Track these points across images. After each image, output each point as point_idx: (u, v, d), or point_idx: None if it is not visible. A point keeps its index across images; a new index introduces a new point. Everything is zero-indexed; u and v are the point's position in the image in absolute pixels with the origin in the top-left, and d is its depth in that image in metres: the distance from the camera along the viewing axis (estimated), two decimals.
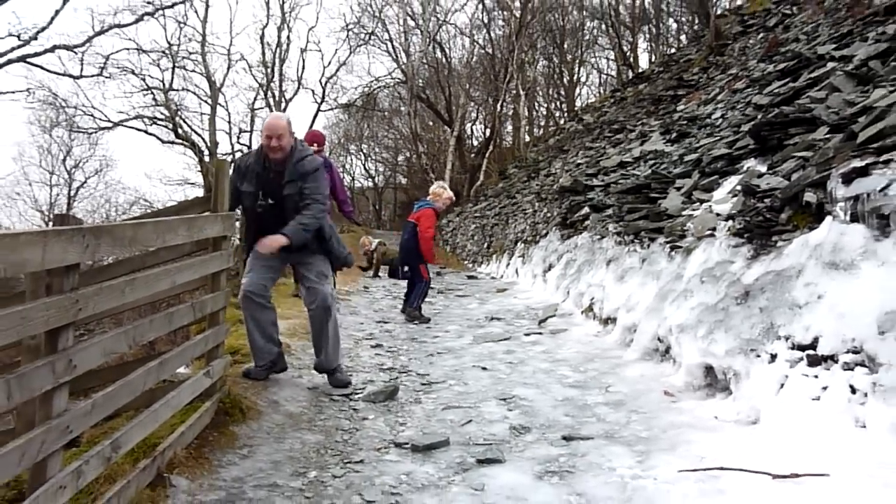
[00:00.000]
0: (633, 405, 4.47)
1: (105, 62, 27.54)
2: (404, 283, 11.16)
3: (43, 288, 2.19)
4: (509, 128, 36.09)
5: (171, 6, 29.00)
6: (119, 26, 26.69)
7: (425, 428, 4.17)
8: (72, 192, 38.23)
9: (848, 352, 3.40)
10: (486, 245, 19.23)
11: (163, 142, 33.99)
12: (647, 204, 7.58)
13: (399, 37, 34.46)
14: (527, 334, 7.23)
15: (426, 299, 8.92)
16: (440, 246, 22.29)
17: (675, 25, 31.05)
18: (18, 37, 20.89)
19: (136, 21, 26.76)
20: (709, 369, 4.56)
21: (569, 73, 35.42)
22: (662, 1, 29.85)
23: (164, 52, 31.82)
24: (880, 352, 3.14)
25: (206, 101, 34.26)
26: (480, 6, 33.49)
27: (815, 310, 3.77)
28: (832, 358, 3.50)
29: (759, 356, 4.07)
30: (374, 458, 3.64)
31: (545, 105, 38.05)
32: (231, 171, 4.78)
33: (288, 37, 36.20)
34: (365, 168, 51.04)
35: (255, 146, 5.25)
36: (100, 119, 32.47)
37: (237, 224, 5.23)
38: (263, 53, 35.66)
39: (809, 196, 4.31)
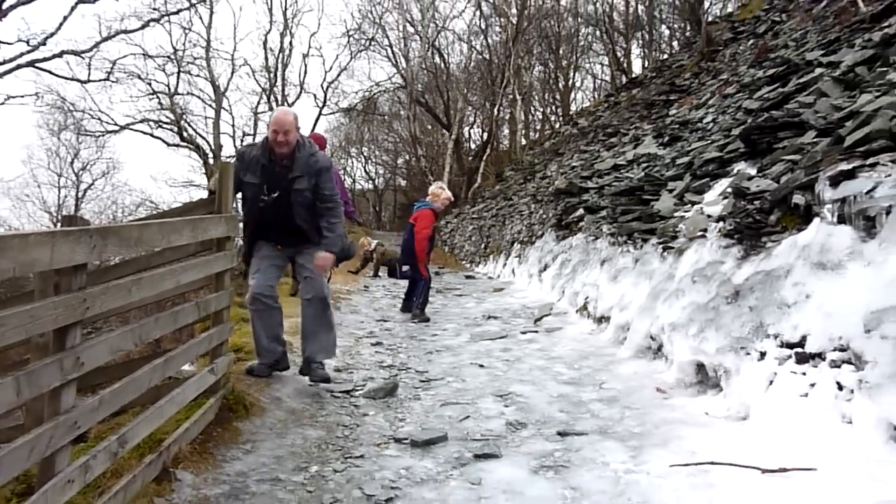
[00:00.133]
0: (626, 402, 4.48)
1: (112, 67, 27.55)
2: (403, 282, 11.17)
3: (51, 287, 2.19)
4: (506, 131, 36.12)
5: (177, 13, 29.01)
6: (125, 32, 26.68)
7: (424, 424, 4.17)
8: (79, 194, 38.29)
9: (835, 350, 3.40)
10: (483, 245, 19.24)
11: (168, 145, 34.00)
12: (640, 206, 7.58)
13: (399, 43, 34.49)
14: (523, 332, 7.23)
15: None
16: (439, 246, 22.27)
17: (667, 32, 31.12)
18: (27, 42, 20.87)
19: (143, 27, 26.76)
20: (700, 367, 4.57)
21: (564, 78, 35.42)
22: (655, 8, 29.89)
23: (169, 57, 31.82)
24: (866, 350, 3.14)
25: (210, 105, 34.25)
26: (478, 13, 33.55)
27: (803, 309, 3.77)
28: (820, 356, 3.51)
29: (748, 354, 4.08)
30: (374, 453, 3.65)
31: (541, 109, 38.04)
32: (235, 160, 4.75)
33: (290, 42, 36.17)
34: (365, 170, 51.07)
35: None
36: (107, 122, 32.51)
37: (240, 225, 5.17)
38: (266, 58, 35.66)
39: (798, 198, 4.31)
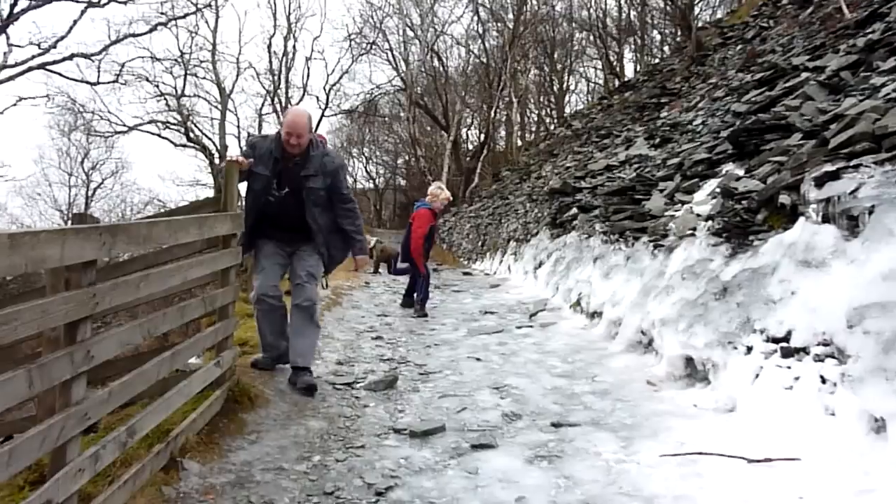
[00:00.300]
0: (617, 394, 4.49)
1: (120, 69, 27.48)
2: (403, 279, 11.17)
3: (62, 283, 2.19)
4: (502, 133, 36.06)
5: (184, 17, 28.94)
6: (134, 36, 26.59)
7: (423, 415, 4.17)
8: (89, 193, 38.24)
9: (819, 344, 3.41)
10: (480, 243, 19.24)
11: (175, 145, 33.94)
12: (631, 205, 7.58)
13: (399, 46, 34.45)
14: (518, 327, 7.23)
15: None
16: (438, 244, 22.26)
17: (658, 37, 31.04)
18: (38, 45, 20.80)
19: (150, 31, 26.67)
20: (689, 360, 4.57)
21: (559, 81, 35.38)
22: (647, 14, 29.84)
23: (176, 60, 31.76)
24: (849, 344, 3.15)
25: (216, 107, 34.19)
26: (475, 18, 33.50)
27: (788, 305, 3.78)
28: (804, 350, 3.52)
29: (735, 348, 4.09)
30: (374, 444, 3.65)
31: (536, 111, 38.00)
32: (245, 146, 4.66)
33: (294, 46, 36.27)
34: (366, 170, 50.95)
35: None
36: (116, 123, 32.44)
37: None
38: (270, 62, 35.61)
39: (784, 198, 4.32)
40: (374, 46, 35.03)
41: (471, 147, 37.87)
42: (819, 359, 3.37)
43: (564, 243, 9.71)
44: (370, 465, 3.33)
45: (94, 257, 2.23)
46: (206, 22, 40.16)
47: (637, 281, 6.08)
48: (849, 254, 3.47)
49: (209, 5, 30.89)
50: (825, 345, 3.37)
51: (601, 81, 34.03)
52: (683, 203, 6.45)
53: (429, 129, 39.05)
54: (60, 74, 24.57)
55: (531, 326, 7.27)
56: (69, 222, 2.40)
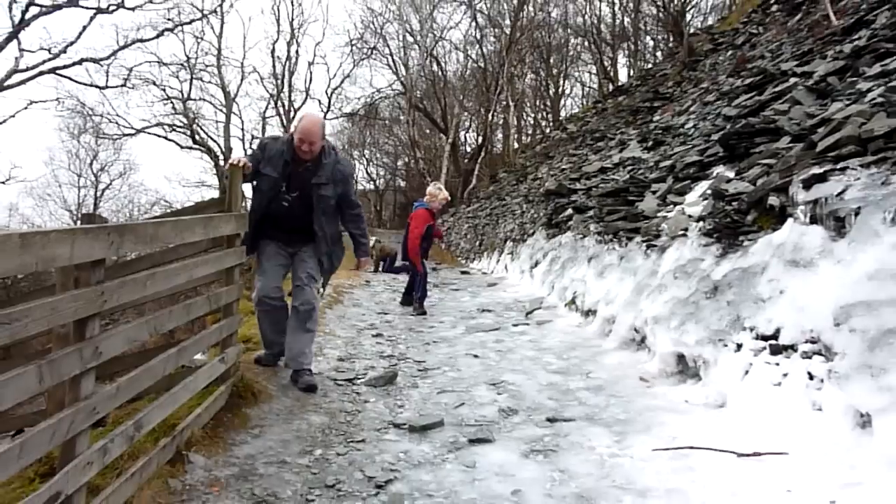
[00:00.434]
0: (611, 390, 4.49)
1: (128, 74, 27.44)
2: (403, 277, 11.17)
3: (71, 281, 2.19)
4: (500, 135, 36.08)
5: (190, 23, 28.94)
6: (141, 41, 26.57)
7: (422, 410, 4.18)
8: (98, 193, 38.22)
9: (806, 342, 3.42)
10: (478, 243, 19.23)
11: (181, 147, 33.92)
12: (625, 206, 7.58)
13: (399, 51, 34.44)
14: (515, 325, 7.23)
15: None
16: (436, 243, 22.25)
17: (651, 43, 31.02)
18: (49, 50, 20.76)
19: (157, 36, 26.65)
20: (680, 357, 4.58)
21: (554, 85, 35.40)
22: (640, 20, 29.84)
23: (182, 64, 31.74)
24: (835, 342, 3.16)
25: (221, 110, 34.16)
26: (473, 24, 33.50)
27: (777, 303, 3.79)
28: (792, 347, 3.52)
29: (726, 345, 4.09)
30: (374, 438, 3.65)
31: (533, 115, 38.01)
32: (255, 149, 4.56)
33: (296, 51, 36.23)
34: (367, 172, 50.89)
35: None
36: (123, 126, 32.41)
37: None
38: (274, 66, 35.59)
39: (773, 200, 4.32)
40: (374, 51, 35.10)
41: (469, 149, 37.91)
42: (807, 356, 3.38)
43: (560, 243, 9.71)
44: (370, 459, 3.33)
45: (102, 256, 2.23)
46: (212, 27, 40.13)
47: (630, 280, 6.08)
48: (836, 254, 3.47)
49: (214, 11, 30.93)
50: (813, 342, 3.37)
51: (595, 86, 34.03)
52: (675, 204, 6.45)
53: (428, 131, 39.04)
54: (70, 79, 24.56)
55: (527, 324, 7.27)
56: (78, 222, 2.40)
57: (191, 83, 32.47)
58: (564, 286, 8.23)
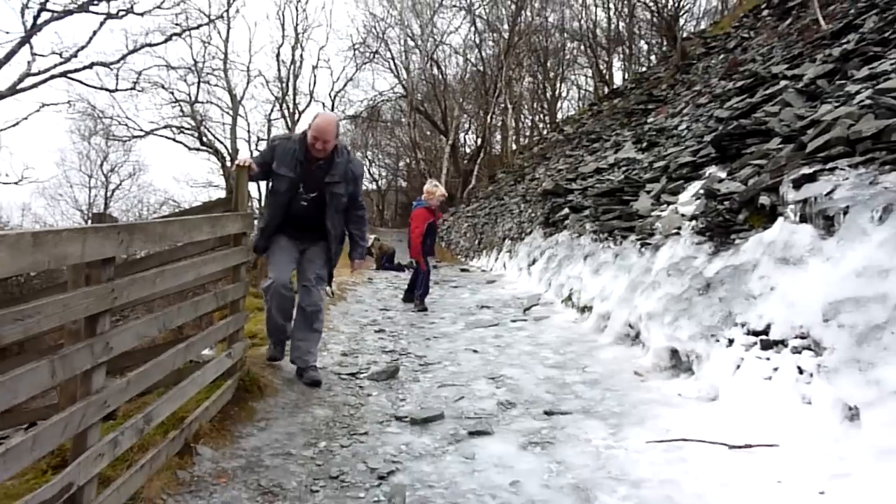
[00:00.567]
0: (606, 384, 4.49)
1: (138, 77, 27.34)
2: (404, 275, 11.16)
3: (83, 278, 2.19)
4: (498, 137, 36.03)
5: (197, 28, 28.82)
6: (150, 45, 26.48)
7: (423, 403, 4.18)
8: (108, 194, 38.27)
9: (796, 337, 3.42)
10: (477, 241, 19.22)
11: (189, 149, 33.84)
12: (620, 205, 7.58)
13: (400, 56, 34.41)
14: (513, 321, 7.23)
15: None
16: (437, 242, 22.25)
17: (646, 47, 31.03)
18: (60, 55, 20.69)
19: (166, 41, 26.54)
20: (674, 352, 4.58)
21: (551, 88, 35.37)
22: (635, 25, 29.82)
23: (190, 68, 31.66)
24: (824, 337, 3.16)
25: (227, 113, 34.09)
26: (473, 28, 33.43)
27: (767, 300, 3.79)
28: (782, 342, 3.52)
29: (718, 341, 4.09)
30: (377, 431, 3.65)
31: (530, 117, 38.00)
32: (266, 149, 4.49)
33: (301, 55, 36.06)
34: (369, 172, 50.87)
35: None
36: (133, 128, 32.35)
37: (255, 223, 4.99)
38: (279, 70, 35.53)
39: (764, 199, 4.32)
40: (376, 55, 35.02)
41: (468, 150, 37.88)
42: (796, 351, 3.38)
43: (557, 241, 9.70)
44: (373, 451, 3.33)
45: (112, 254, 2.23)
46: (219, 32, 40.01)
47: (625, 277, 6.08)
48: (825, 252, 3.47)
49: (221, 17, 30.85)
50: (802, 337, 3.37)
51: (591, 89, 34.01)
52: (669, 204, 6.45)
53: (428, 133, 39.01)
54: (81, 82, 24.50)
55: (525, 320, 7.27)
56: (89, 221, 2.39)
57: (198, 86, 32.42)
58: (561, 283, 8.23)
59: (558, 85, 35.69)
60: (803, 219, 3.79)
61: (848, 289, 3.12)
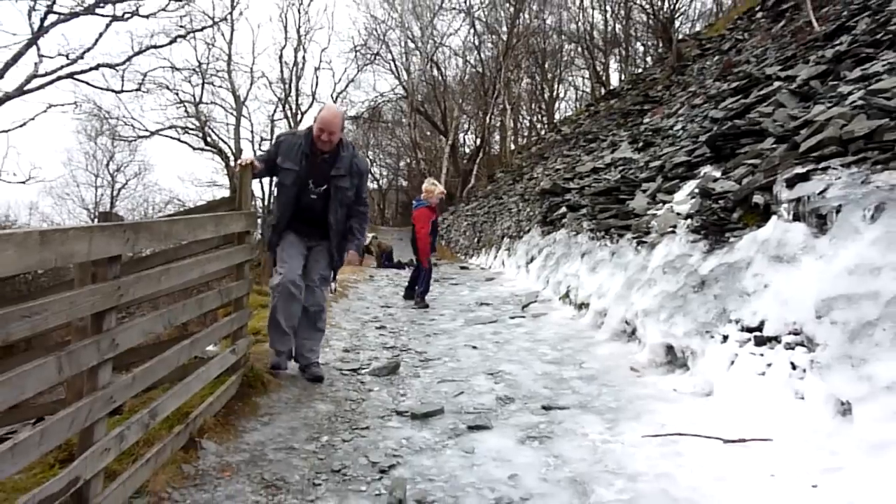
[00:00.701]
0: (603, 379, 4.49)
1: (143, 78, 27.25)
2: (405, 272, 11.15)
3: (89, 276, 2.18)
4: (497, 137, 35.99)
5: (201, 30, 28.71)
6: (155, 47, 26.39)
7: (423, 399, 4.17)
8: (114, 193, 38.28)
9: (789, 333, 3.42)
10: (476, 240, 19.22)
11: (193, 149, 33.74)
12: (616, 204, 7.58)
13: (401, 57, 34.33)
14: (511, 317, 7.23)
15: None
16: (437, 239, 22.23)
17: (642, 48, 30.97)
18: (67, 56, 20.62)
19: (170, 43, 26.46)
20: (669, 348, 4.58)
21: (549, 89, 35.31)
22: (631, 27, 29.78)
23: (194, 69, 31.56)
24: (817, 334, 3.16)
25: (231, 113, 34.00)
26: (472, 31, 33.36)
27: (761, 297, 3.79)
28: (776, 339, 3.52)
29: (713, 337, 4.09)
30: (378, 425, 3.65)
31: (528, 118, 37.93)
32: (272, 146, 4.45)
33: (303, 57, 36.16)
34: (370, 172, 50.91)
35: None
36: (138, 128, 32.25)
37: (258, 221, 4.96)
38: (282, 71, 35.41)
39: (758, 198, 4.32)
40: (377, 57, 34.94)
41: (468, 150, 37.84)
42: (790, 347, 3.38)
43: (554, 240, 9.70)
44: (374, 445, 3.33)
45: (118, 252, 2.23)
46: (223, 34, 39.96)
47: (621, 275, 6.08)
48: (817, 250, 3.47)
49: (225, 19, 30.75)
50: (795, 334, 3.37)
51: (588, 90, 33.97)
52: (664, 202, 6.44)
53: (429, 133, 38.96)
54: (87, 83, 24.44)
55: (523, 317, 7.27)
56: (96, 220, 2.39)
57: (202, 87, 32.32)
58: (559, 281, 8.23)
59: (556, 86, 35.66)
60: (796, 217, 3.79)
61: (840, 286, 3.12)
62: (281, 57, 35.55)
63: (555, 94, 35.88)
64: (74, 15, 18.61)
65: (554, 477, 2.92)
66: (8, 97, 16.86)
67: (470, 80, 35.41)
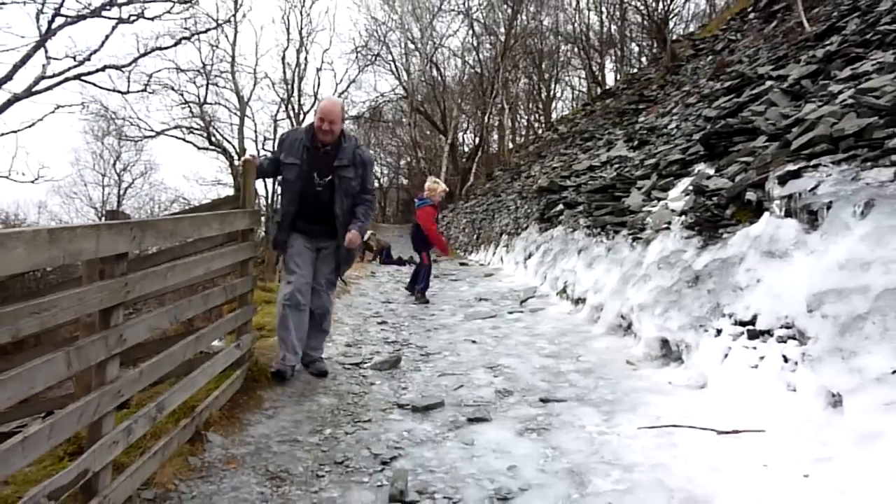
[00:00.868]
0: (600, 372, 4.49)
1: (149, 80, 27.16)
2: (406, 269, 11.14)
3: (97, 273, 2.18)
4: (495, 136, 35.93)
5: (205, 32, 28.58)
6: (160, 49, 26.32)
7: (424, 392, 4.18)
8: (121, 192, 38.25)
9: (782, 327, 3.42)
10: (475, 237, 19.21)
11: (198, 148, 33.68)
12: (612, 202, 7.56)
13: (401, 58, 34.24)
14: (510, 312, 7.23)
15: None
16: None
17: (637, 49, 30.89)
18: (74, 58, 20.55)
19: (175, 44, 26.35)
20: (664, 342, 4.58)
21: (546, 89, 35.23)
22: (626, 28, 29.71)
23: (199, 71, 31.47)
24: (808, 327, 3.16)
25: (235, 114, 33.92)
26: (471, 32, 33.26)
27: (754, 291, 3.79)
28: (768, 332, 3.52)
29: (706, 331, 4.09)
30: (380, 418, 3.66)
31: (526, 117, 37.84)
32: (276, 145, 4.43)
33: (305, 58, 36.08)
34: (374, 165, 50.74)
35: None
36: (144, 129, 32.19)
37: (262, 219, 4.91)
38: (284, 72, 35.30)
39: (750, 195, 4.32)
40: (378, 58, 34.83)
41: (467, 149, 37.77)
42: (782, 340, 3.38)
43: (551, 236, 9.70)
44: (376, 438, 3.34)
45: (125, 250, 2.23)
46: (226, 36, 39.88)
47: (617, 270, 6.08)
48: (809, 245, 3.47)
49: (228, 21, 30.65)
50: (787, 327, 3.37)
51: (584, 89, 33.89)
52: (659, 200, 6.44)
53: (428, 133, 38.89)
54: (94, 84, 24.35)
55: (522, 312, 7.27)
56: (103, 219, 2.39)
57: (207, 88, 32.24)
58: (556, 276, 8.23)
59: (553, 86, 35.57)
60: (788, 214, 3.78)
61: (831, 281, 3.12)
62: (283, 58, 35.43)
63: (552, 93, 35.81)
64: (81, 18, 18.56)
65: (552, 468, 2.92)
66: (17, 98, 16.82)
67: (469, 80, 35.33)
